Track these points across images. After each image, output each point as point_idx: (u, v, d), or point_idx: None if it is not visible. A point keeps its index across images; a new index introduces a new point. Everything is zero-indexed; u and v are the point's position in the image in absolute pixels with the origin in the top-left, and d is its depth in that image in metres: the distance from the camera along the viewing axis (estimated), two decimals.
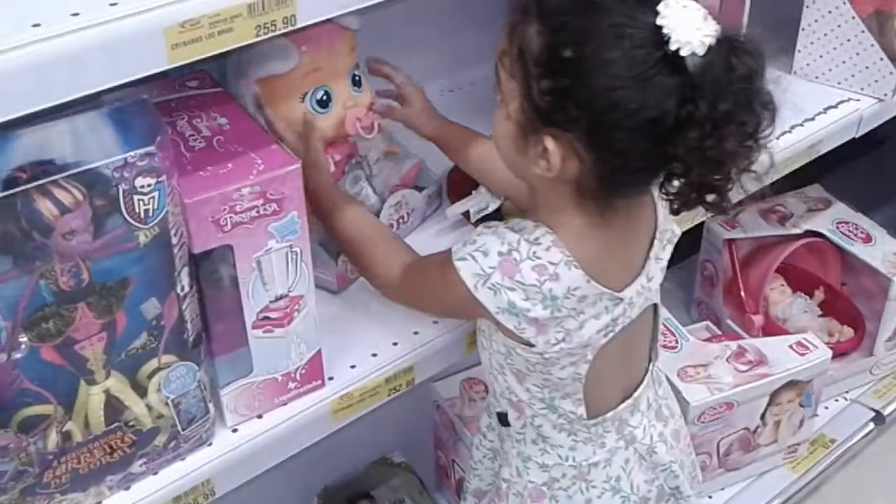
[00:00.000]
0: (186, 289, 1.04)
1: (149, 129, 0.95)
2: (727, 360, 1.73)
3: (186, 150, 1.08)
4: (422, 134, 1.43)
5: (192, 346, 1.07)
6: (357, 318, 1.32)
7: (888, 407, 2.00)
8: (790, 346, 1.76)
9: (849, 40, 1.75)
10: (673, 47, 0.97)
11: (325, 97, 1.28)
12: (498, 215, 1.41)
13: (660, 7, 0.98)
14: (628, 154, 1.02)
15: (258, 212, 1.06)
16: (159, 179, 0.94)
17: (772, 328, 2.00)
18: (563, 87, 1.00)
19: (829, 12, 1.75)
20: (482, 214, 1.41)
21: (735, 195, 1.07)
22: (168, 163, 0.95)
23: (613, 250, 1.13)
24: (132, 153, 0.92)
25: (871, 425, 1.97)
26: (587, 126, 1.01)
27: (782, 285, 2.10)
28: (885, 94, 1.77)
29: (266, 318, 1.13)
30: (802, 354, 1.74)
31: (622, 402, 1.25)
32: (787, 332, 1.97)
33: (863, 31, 1.72)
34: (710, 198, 1.06)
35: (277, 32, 0.97)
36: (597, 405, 1.22)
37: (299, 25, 0.99)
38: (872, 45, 1.73)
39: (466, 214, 1.45)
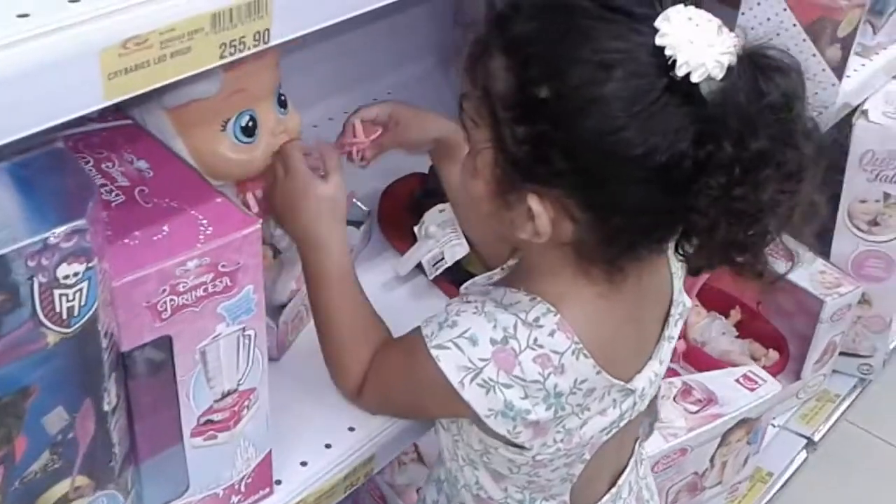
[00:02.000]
0: (114, 401, 0.74)
1: (71, 192, 0.66)
2: (674, 399, 1.53)
3: (101, 206, 0.78)
4: (423, 144, 1.13)
5: (119, 472, 0.78)
6: (304, 394, 1.05)
7: (817, 433, 1.87)
8: (737, 381, 1.59)
9: (789, 49, 1.57)
10: (681, 72, 0.75)
11: (250, 123, 1.00)
12: (461, 269, 1.16)
13: (659, 22, 0.75)
14: (634, 211, 0.80)
15: (206, 290, 0.78)
16: (90, 265, 0.65)
17: (695, 353, 1.82)
18: (541, 134, 0.78)
19: (768, 19, 1.57)
20: (442, 269, 1.15)
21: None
22: (101, 239, 0.66)
23: (624, 329, 0.91)
24: (54, 232, 0.62)
25: (804, 453, 1.83)
26: (578, 180, 0.79)
27: (696, 305, 1.93)
28: (826, 107, 1.60)
29: (209, 421, 0.85)
30: (752, 390, 1.57)
31: (606, 492, 1.03)
32: (709, 358, 1.80)
33: (804, 40, 1.55)
34: (740, 258, 0.84)
35: (246, 52, 0.69)
36: (582, 501, 1.00)
37: (273, 43, 0.71)
38: (815, 56, 1.56)
39: (419, 266, 1.19)
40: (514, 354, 0.83)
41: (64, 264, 0.63)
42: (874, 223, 1.83)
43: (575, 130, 0.77)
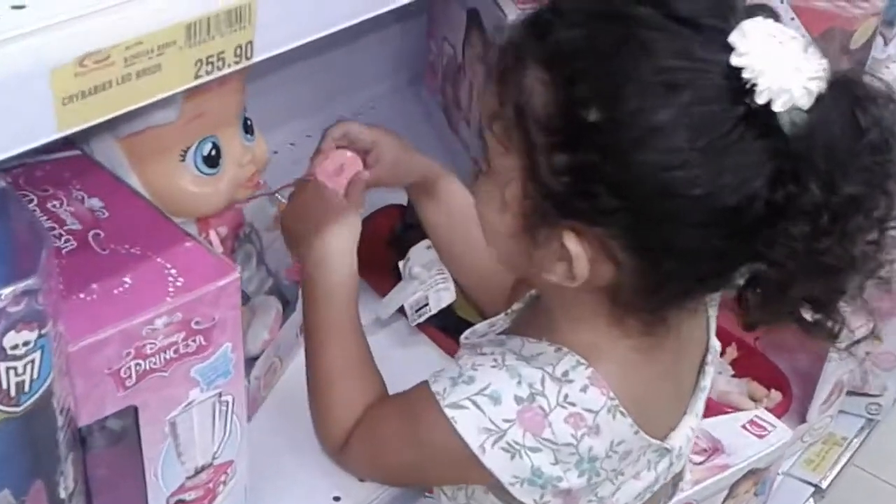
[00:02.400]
0: (72, 486, 0.65)
1: (18, 241, 0.56)
2: None
3: None
4: (405, 183, 1.06)
5: None
6: (282, 459, 0.96)
7: (824, 480, 1.78)
8: (744, 427, 1.49)
9: None
10: (760, 99, 0.65)
11: (213, 152, 0.91)
12: (451, 314, 1.08)
13: (733, 38, 0.66)
14: (691, 257, 0.71)
15: (177, 351, 0.69)
16: (43, 332, 0.56)
17: None
18: (587, 164, 0.68)
19: None
20: (425, 316, 1.07)
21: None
22: (55, 297, 0.57)
23: (661, 382, 0.82)
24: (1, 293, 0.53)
25: (812, 502, 1.75)
26: (626, 219, 0.69)
27: None
28: None
29: (180, 501, 0.75)
30: (760, 437, 1.48)
31: None
32: (708, 399, 1.71)
33: None
34: (811, 316, 0.75)
35: (226, 70, 0.61)
36: None
37: (256, 58, 0.62)
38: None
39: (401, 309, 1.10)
40: (542, 414, 0.75)
41: (12, 332, 0.54)
42: None
43: (628, 162, 0.67)
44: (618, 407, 0.76)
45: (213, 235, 0.95)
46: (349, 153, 1.00)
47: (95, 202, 0.75)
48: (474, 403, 0.76)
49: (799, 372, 1.80)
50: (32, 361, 0.55)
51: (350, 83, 1.44)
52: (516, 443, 0.75)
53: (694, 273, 0.72)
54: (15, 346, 0.54)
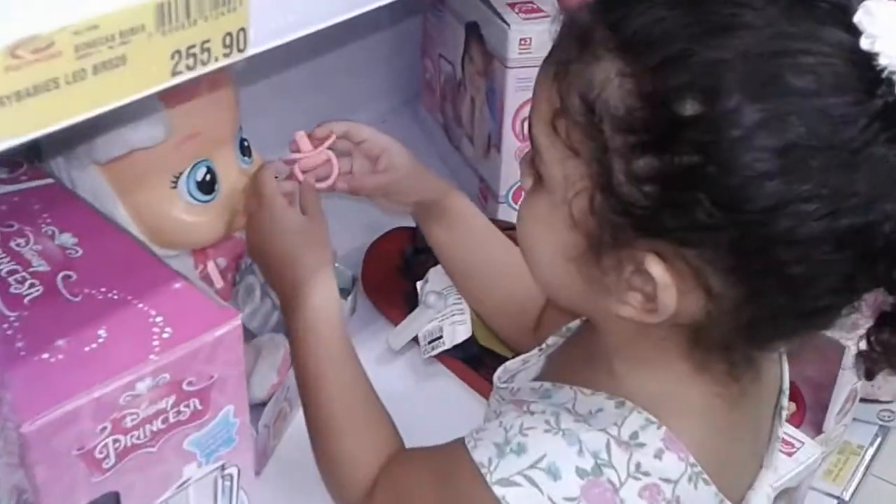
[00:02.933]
0: None
1: None
2: None
3: (8, 304, 0.52)
4: (408, 202, 0.87)
5: None
6: None
7: (846, 491, 1.61)
8: None
9: None
10: None
11: (208, 177, 0.75)
12: (472, 343, 0.90)
13: (860, 18, 0.49)
14: (805, 286, 0.53)
15: (166, 420, 0.51)
16: None
17: None
18: (682, 169, 0.51)
19: None
20: (439, 349, 0.89)
21: None
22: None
23: (742, 434, 0.64)
24: None
25: None
26: (731, 238, 0.51)
27: None
28: None
29: None
30: (790, 455, 1.30)
31: None
32: None
33: None
34: None
35: (213, 65, 0.43)
36: None
37: (250, 50, 0.45)
38: None
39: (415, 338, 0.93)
40: (612, 489, 0.56)
41: None
42: None
43: (736, 165, 0.50)
44: (700, 474, 0.58)
45: (211, 267, 0.79)
46: (329, 154, 0.81)
47: (67, 238, 0.57)
48: (529, 480, 0.57)
49: (810, 382, 1.62)
50: None
51: (345, 105, 1.27)
52: None
53: (805, 305, 0.54)
54: None
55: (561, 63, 0.55)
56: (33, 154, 0.68)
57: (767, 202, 0.50)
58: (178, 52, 0.41)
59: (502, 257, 0.84)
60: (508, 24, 1.02)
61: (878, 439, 1.72)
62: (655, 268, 0.53)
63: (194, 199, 0.74)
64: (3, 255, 0.55)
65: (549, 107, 0.56)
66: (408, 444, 0.74)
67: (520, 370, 0.73)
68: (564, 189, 0.56)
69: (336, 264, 0.93)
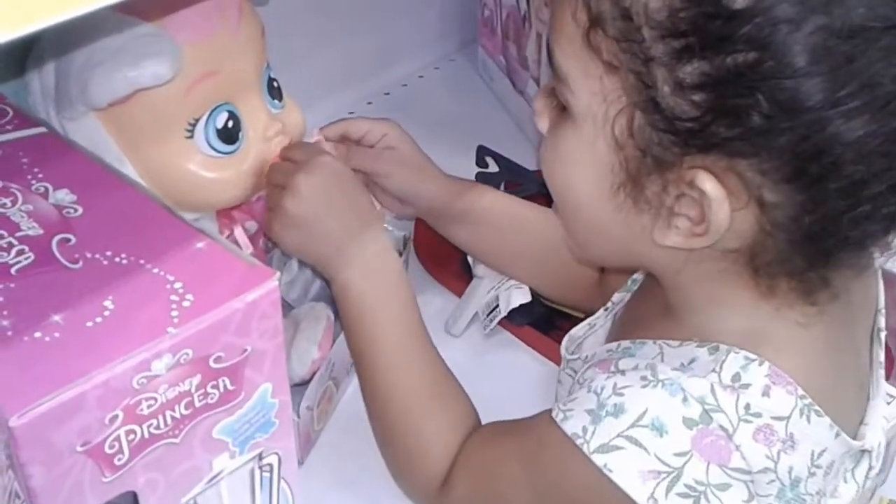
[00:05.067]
0: None
1: None
2: None
3: None
4: (418, 203, 0.80)
5: None
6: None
7: None
8: None
9: None
10: None
11: (230, 123, 0.65)
12: (540, 304, 0.82)
13: None
14: (867, 186, 0.50)
15: (190, 405, 0.42)
16: None
17: None
18: (737, 70, 0.48)
19: None
20: (497, 319, 0.81)
21: None
22: None
23: (843, 360, 0.58)
24: None
25: None
26: (792, 142, 0.48)
27: None
28: None
29: None
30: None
31: None
32: None
33: None
34: None
35: None
36: None
37: None
38: None
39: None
40: (725, 436, 0.52)
41: None
42: None
43: (796, 58, 0.47)
44: (811, 406, 0.54)
45: (238, 233, 0.70)
46: (326, 146, 0.74)
47: (64, 195, 0.48)
48: (631, 441, 0.53)
49: (893, 331, 1.54)
50: None
51: (391, 52, 1.19)
52: (699, 483, 0.53)
53: (862, 210, 0.51)
54: None
55: None
56: (17, 98, 0.59)
57: (824, 96, 0.47)
58: None
59: (545, 235, 0.78)
60: None
61: None
62: (708, 183, 0.50)
63: (215, 150, 0.64)
64: None
65: (577, 23, 0.53)
66: (484, 408, 0.69)
67: (587, 336, 0.69)
68: (597, 115, 0.54)
69: (386, 225, 0.85)
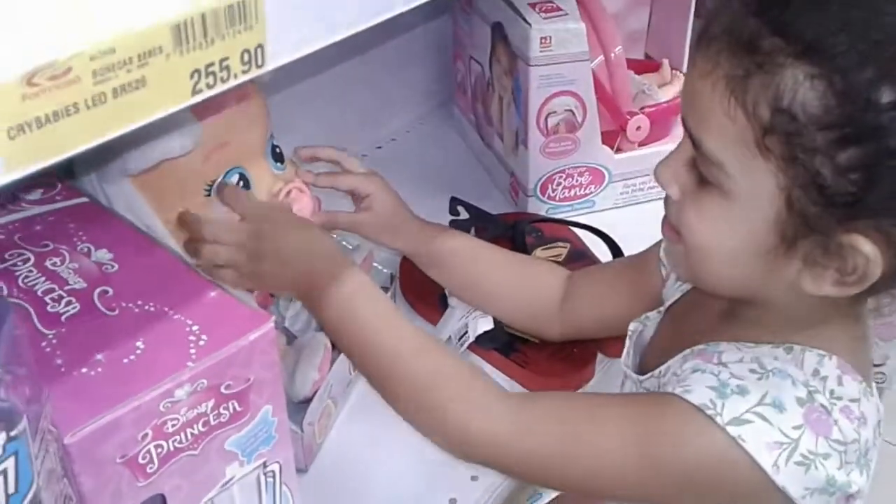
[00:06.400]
0: None
1: None
2: None
3: (45, 323, 0.52)
4: (392, 245, 0.89)
5: None
6: None
7: None
8: None
9: None
10: None
11: (241, 183, 0.74)
12: (502, 332, 0.90)
13: None
14: None
15: (207, 423, 0.51)
16: (14, 433, 0.38)
17: None
18: (891, 152, 0.55)
19: None
20: (466, 344, 0.89)
21: None
22: (29, 389, 0.39)
23: (871, 340, 0.69)
24: None
25: None
26: None
27: None
28: None
29: None
30: None
31: None
32: None
33: None
34: None
35: (233, 82, 0.43)
36: None
37: (269, 65, 0.44)
38: None
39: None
40: (827, 413, 0.60)
41: None
42: None
43: None
44: (866, 388, 0.63)
45: None
46: (308, 197, 0.79)
47: (103, 254, 0.57)
48: (760, 416, 0.59)
49: None
50: (4, 472, 0.38)
51: (381, 110, 1.28)
52: (811, 452, 0.59)
53: None
54: None
55: (735, 77, 0.56)
56: (65, 173, 0.68)
57: None
58: (198, 71, 0.41)
59: (510, 277, 0.86)
60: (530, 24, 1.02)
61: None
62: (867, 246, 0.56)
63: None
64: (39, 275, 0.55)
65: (733, 122, 0.57)
66: None
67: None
68: (755, 195, 0.58)
69: (375, 263, 0.94)
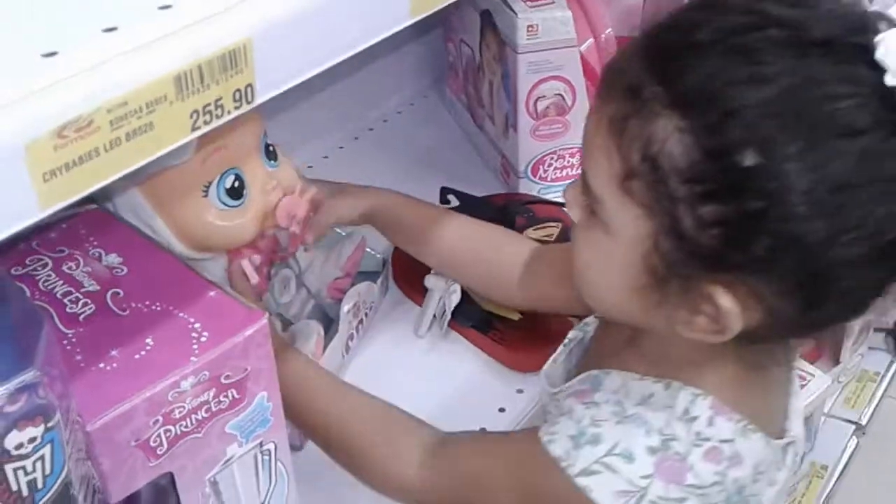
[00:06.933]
0: None
1: (11, 328, 0.46)
2: None
3: (66, 323, 0.60)
4: (354, 217, 0.94)
5: None
6: (339, 488, 0.83)
7: (863, 416, 1.67)
8: None
9: None
10: None
11: (236, 184, 0.80)
12: (480, 311, 0.99)
13: (881, 56, 0.54)
14: (852, 294, 0.60)
15: (209, 410, 0.59)
16: (50, 424, 0.46)
17: None
18: (746, 213, 0.56)
19: None
20: (446, 321, 0.98)
21: None
22: (60, 385, 0.47)
23: (773, 374, 0.70)
24: None
25: (855, 439, 1.63)
26: (792, 266, 0.57)
27: None
28: None
29: None
30: (801, 387, 1.37)
31: None
32: None
33: None
34: None
35: (226, 117, 0.50)
36: None
37: (258, 100, 0.52)
38: None
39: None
40: (681, 459, 0.62)
41: (14, 431, 0.44)
42: None
43: (796, 206, 0.54)
44: (747, 426, 0.64)
45: (246, 264, 0.84)
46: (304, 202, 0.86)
47: (113, 258, 0.65)
48: (607, 466, 0.63)
49: None
50: (42, 458, 0.46)
51: (372, 91, 1.34)
52: (661, 498, 0.62)
53: (850, 308, 0.61)
54: (20, 446, 0.45)
55: (616, 118, 0.58)
56: None
57: (823, 234, 0.54)
58: (196, 111, 0.48)
59: (461, 242, 0.91)
60: (516, 13, 1.06)
61: (895, 365, 1.78)
62: (723, 299, 0.58)
63: (225, 205, 0.78)
64: (57, 278, 0.63)
65: (609, 161, 0.59)
66: (441, 394, 0.89)
67: (554, 369, 0.78)
68: (628, 234, 0.60)
69: (368, 248, 1.01)
